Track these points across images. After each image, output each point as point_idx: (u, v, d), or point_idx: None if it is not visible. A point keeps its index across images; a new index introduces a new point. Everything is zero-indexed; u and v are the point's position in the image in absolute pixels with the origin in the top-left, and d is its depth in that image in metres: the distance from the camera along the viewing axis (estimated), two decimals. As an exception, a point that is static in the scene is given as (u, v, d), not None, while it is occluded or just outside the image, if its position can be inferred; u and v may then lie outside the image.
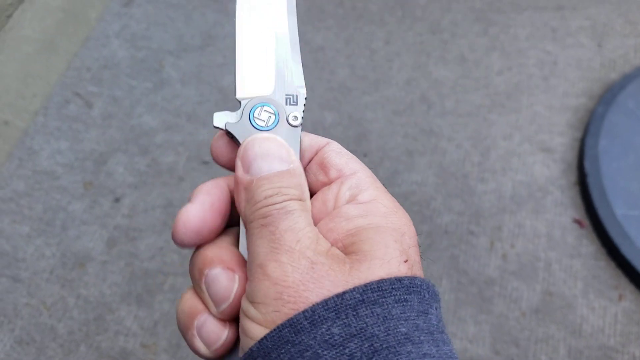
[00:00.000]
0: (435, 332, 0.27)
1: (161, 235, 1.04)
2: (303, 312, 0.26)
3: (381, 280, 0.27)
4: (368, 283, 0.26)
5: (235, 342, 0.31)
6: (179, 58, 1.23)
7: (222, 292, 0.30)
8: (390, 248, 0.28)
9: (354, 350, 0.25)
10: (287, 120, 0.33)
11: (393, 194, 0.31)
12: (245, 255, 0.31)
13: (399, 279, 0.27)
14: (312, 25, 1.27)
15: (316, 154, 0.34)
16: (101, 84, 1.20)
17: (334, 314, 0.26)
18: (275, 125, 0.33)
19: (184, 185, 1.09)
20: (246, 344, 0.27)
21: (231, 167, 0.34)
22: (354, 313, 0.26)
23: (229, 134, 0.33)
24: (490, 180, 1.11)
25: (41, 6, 1.28)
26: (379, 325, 0.26)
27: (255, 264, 0.28)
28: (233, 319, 0.30)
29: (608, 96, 1.17)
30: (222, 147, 0.34)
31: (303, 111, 0.34)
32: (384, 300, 0.26)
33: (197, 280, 0.31)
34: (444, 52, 1.25)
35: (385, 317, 0.26)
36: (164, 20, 1.28)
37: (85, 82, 1.20)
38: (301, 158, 0.33)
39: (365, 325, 0.26)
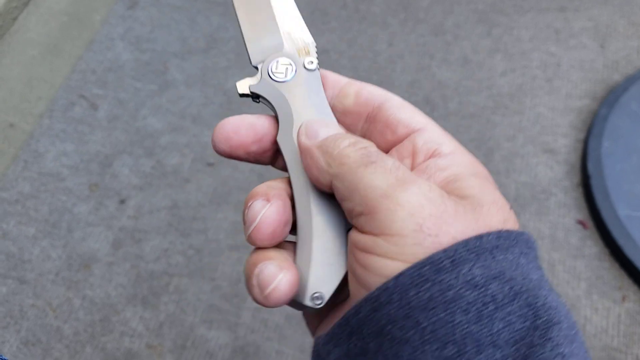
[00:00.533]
0: (550, 287, 0.27)
1: (166, 237, 1.05)
2: (444, 250, 0.25)
3: (509, 230, 0.26)
4: (500, 230, 0.26)
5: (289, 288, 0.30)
6: (183, 60, 1.23)
7: (251, 214, 0.30)
8: (496, 194, 0.28)
9: (495, 292, 0.25)
10: (305, 67, 0.35)
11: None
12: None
13: (521, 233, 0.27)
14: (315, 27, 1.28)
15: (375, 111, 0.34)
16: (106, 86, 1.21)
17: (474, 255, 0.25)
18: (295, 74, 0.34)
19: (189, 186, 1.10)
20: (371, 282, 0.26)
21: (237, 153, 0.34)
22: (492, 256, 0.25)
23: (254, 98, 0.35)
24: (494, 181, 1.11)
25: (46, 9, 1.28)
26: (513, 270, 0.25)
27: (377, 195, 0.27)
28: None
29: (611, 98, 1.17)
30: (229, 131, 0.34)
31: (317, 57, 0.35)
32: (513, 249, 0.26)
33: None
34: (447, 54, 1.26)
35: (517, 264, 0.26)
36: (168, 22, 1.28)
37: (90, 84, 1.21)
38: (341, 106, 0.34)
39: (502, 268, 0.25)
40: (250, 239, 0.31)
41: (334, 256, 0.30)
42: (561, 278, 1.02)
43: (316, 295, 0.30)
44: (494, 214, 0.27)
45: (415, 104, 1.21)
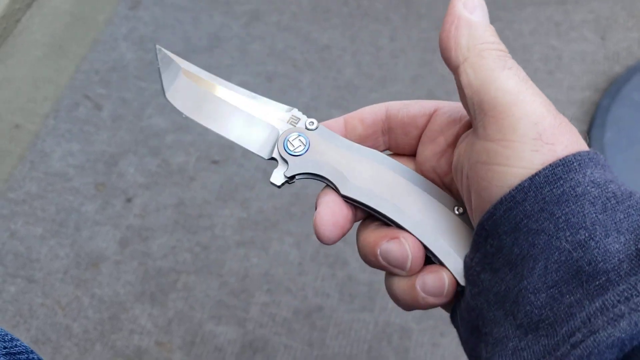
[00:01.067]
0: None
1: (173, 234, 1.05)
2: (573, 155, 0.29)
3: (595, 151, 0.30)
4: (590, 149, 0.30)
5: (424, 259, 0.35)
6: (187, 59, 1.24)
7: (399, 258, 0.34)
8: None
9: (614, 191, 0.29)
10: (309, 129, 0.38)
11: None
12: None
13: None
14: (317, 24, 1.28)
15: (386, 122, 0.39)
16: (110, 86, 1.21)
17: (592, 162, 0.29)
18: (309, 139, 0.38)
19: (194, 184, 1.11)
20: (494, 193, 0.30)
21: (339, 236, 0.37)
22: (605, 167, 0.30)
23: (290, 180, 0.38)
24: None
25: (49, 10, 1.29)
26: (616, 179, 0.30)
27: (507, 100, 0.30)
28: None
29: (613, 89, 1.18)
30: (329, 226, 0.37)
31: (308, 117, 0.39)
32: (604, 163, 0.30)
33: (373, 257, 0.36)
34: (449, 49, 1.26)
35: (611, 173, 0.30)
36: (172, 22, 1.29)
37: (95, 84, 1.21)
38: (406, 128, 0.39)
39: (612, 176, 0.30)
40: (411, 271, 0.35)
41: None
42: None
43: None
44: (575, 133, 0.31)
45: (419, 98, 1.21)
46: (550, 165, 0.29)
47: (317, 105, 1.18)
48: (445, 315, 0.98)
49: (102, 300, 1.00)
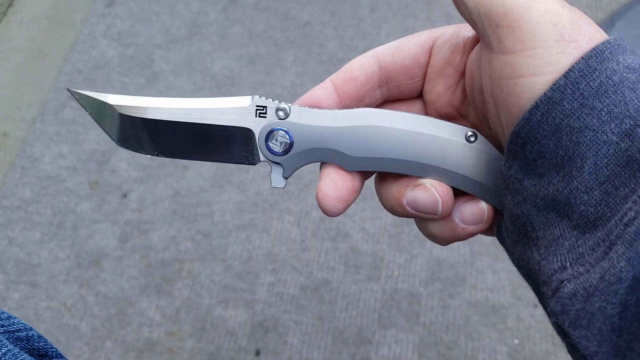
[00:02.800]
0: None
1: (172, 225, 1.05)
2: (603, 43, 0.27)
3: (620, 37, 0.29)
4: (615, 36, 0.29)
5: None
6: (167, 50, 1.23)
7: (428, 205, 0.33)
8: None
9: None
10: (281, 118, 0.34)
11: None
12: None
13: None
14: (295, 2, 1.27)
15: (381, 73, 0.35)
16: (94, 84, 1.20)
17: (622, 49, 0.28)
18: (289, 133, 0.34)
19: (188, 173, 1.10)
20: (523, 107, 0.28)
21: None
22: (630, 50, 0.28)
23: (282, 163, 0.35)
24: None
25: (25, 16, 1.28)
26: None
27: (518, 6, 0.28)
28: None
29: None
30: (333, 200, 0.35)
31: (272, 99, 0.34)
32: (631, 48, 0.29)
33: (400, 208, 0.34)
34: (430, 13, 1.25)
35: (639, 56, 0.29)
36: (149, 15, 1.28)
37: (78, 84, 1.20)
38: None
39: None
40: (443, 214, 0.34)
41: None
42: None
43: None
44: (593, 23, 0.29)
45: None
46: (582, 58, 0.27)
47: (303, 82, 1.18)
48: (451, 275, 0.97)
49: (108, 297, 1.00)
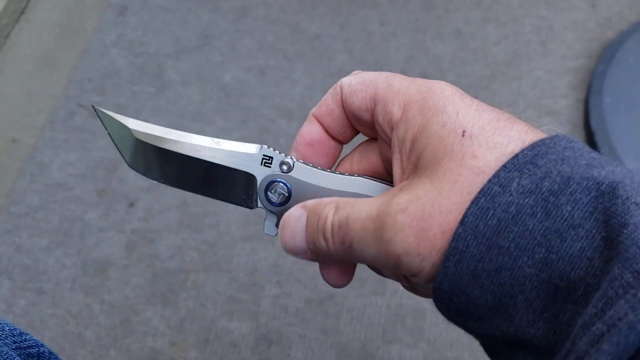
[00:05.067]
0: (613, 161, 0.28)
1: (179, 234, 1.05)
2: (489, 181, 0.27)
3: (542, 138, 0.28)
4: (533, 142, 0.28)
5: None
6: (177, 60, 1.24)
7: None
8: (466, 126, 0.30)
9: (550, 187, 0.26)
10: (284, 172, 0.35)
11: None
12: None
13: (555, 135, 0.28)
14: (305, 14, 1.28)
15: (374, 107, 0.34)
16: (104, 93, 1.21)
17: (516, 172, 0.27)
18: (289, 188, 0.35)
19: (195, 183, 1.10)
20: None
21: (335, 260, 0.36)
22: (534, 165, 0.27)
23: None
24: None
25: (37, 23, 1.29)
26: (560, 165, 0.27)
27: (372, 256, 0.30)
28: None
29: (607, 54, 1.17)
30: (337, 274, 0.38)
31: (277, 151, 0.36)
32: (553, 149, 0.27)
33: None
34: (440, 28, 1.26)
35: (562, 159, 0.27)
36: (160, 24, 1.29)
37: (88, 92, 1.21)
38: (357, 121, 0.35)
39: (548, 169, 0.27)
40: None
41: None
42: (576, 236, 1.02)
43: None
44: (484, 153, 0.28)
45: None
46: (472, 202, 0.27)
47: (312, 94, 1.18)
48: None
49: (113, 305, 1.00)
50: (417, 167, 0.30)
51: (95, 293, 1.01)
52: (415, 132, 0.30)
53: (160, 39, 1.27)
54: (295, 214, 0.34)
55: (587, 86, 1.16)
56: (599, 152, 0.93)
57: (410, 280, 0.33)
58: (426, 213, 0.28)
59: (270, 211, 0.36)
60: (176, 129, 1.15)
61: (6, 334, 0.37)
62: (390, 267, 0.30)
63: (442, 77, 1.19)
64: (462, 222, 0.27)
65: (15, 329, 0.38)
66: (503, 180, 0.27)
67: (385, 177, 0.37)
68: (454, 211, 0.27)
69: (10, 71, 1.23)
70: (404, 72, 1.12)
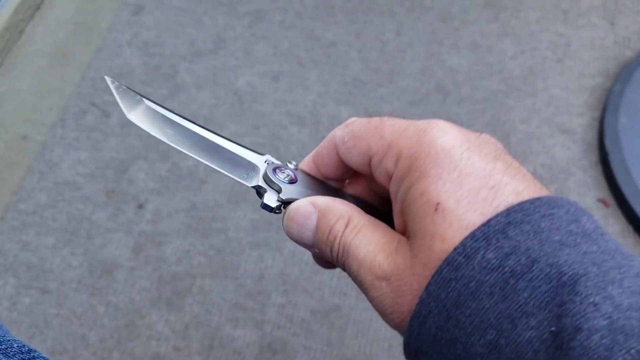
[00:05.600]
0: (592, 234, 0.27)
1: (186, 239, 1.04)
2: (455, 249, 0.26)
3: (522, 202, 0.27)
4: (509, 207, 0.27)
5: None
6: (192, 63, 1.23)
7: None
8: (462, 180, 0.29)
9: (513, 267, 0.25)
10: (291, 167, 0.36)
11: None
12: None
13: (537, 198, 0.27)
14: (321, 21, 1.27)
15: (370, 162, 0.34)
16: (116, 92, 1.20)
17: (484, 242, 0.26)
18: (297, 175, 0.36)
19: (205, 187, 1.10)
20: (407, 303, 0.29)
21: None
22: (504, 235, 0.26)
23: (283, 206, 0.35)
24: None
25: (52, 20, 1.28)
26: (531, 240, 0.26)
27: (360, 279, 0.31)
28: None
29: (624, 74, 1.16)
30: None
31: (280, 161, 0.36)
32: (529, 218, 0.26)
33: None
34: (456, 40, 1.25)
35: (535, 231, 0.26)
36: (175, 26, 1.28)
37: (101, 91, 1.21)
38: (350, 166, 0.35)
39: (517, 243, 0.26)
40: None
41: None
42: (586, 257, 1.01)
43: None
44: (453, 236, 0.27)
45: (427, 91, 1.21)
46: (437, 270, 0.27)
47: (325, 102, 1.17)
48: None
49: (118, 307, 0.99)
50: (406, 228, 0.30)
51: (100, 294, 1.00)
52: (403, 195, 0.30)
53: (175, 40, 1.26)
54: (305, 211, 0.34)
55: (603, 105, 1.15)
56: (614, 174, 0.90)
57: None
58: (401, 290, 0.29)
59: (272, 187, 0.35)
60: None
61: (14, 351, 0.37)
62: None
63: (457, 90, 1.19)
64: (426, 288, 0.27)
65: (24, 345, 0.37)
66: (469, 250, 0.26)
67: (373, 198, 0.37)
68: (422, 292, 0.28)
69: (23, 67, 1.22)
70: (418, 83, 1.11)
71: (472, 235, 0.26)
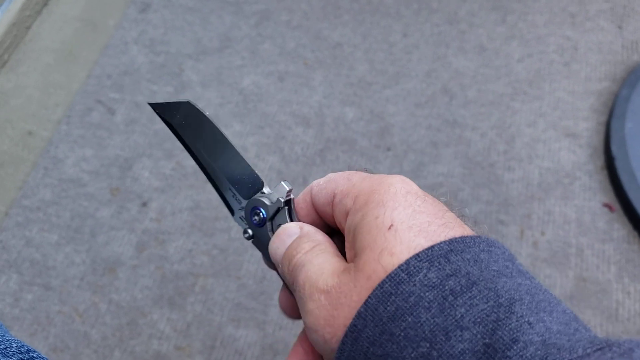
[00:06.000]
0: (525, 273, 0.29)
1: (190, 237, 1.04)
2: (399, 266, 0.27)
3: (463, 236, 0.29)
4: (452, 238, 0.28)
5: None
6: (198, 61, 1.23)
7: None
8: (404, 217, 0.30)
9: (452, 286, 0.27)
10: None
11: (419, 187, 0.32)
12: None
13: (477, 236, 0.29)
14: (328, 22, 1.27)
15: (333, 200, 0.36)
16: (122, 90, 1.21)
17: (427, 263, 0.27)
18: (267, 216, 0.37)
19: (209, 187, 1.09)
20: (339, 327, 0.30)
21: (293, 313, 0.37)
22: (446, 260, 0.28)
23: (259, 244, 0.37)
24: (517, 168, 1.10)
25: (59, 16, 1.29)
26: (471, 266, 0.27)
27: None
28: None
29: (632, 78, 1.15)
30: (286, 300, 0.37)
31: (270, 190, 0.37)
32: (470, 249, 0.28)
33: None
34: (463, 43, 1.24)
35: (475, 260, 0.28)
36: (181, 24, 1.28)
37: (107, 89, 1.21)
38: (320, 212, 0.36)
39: (458, 267, 0.27)
40: None
41: None
42: (590, 262, 1.01)
43: None
44: (402, 252, 0.28)
45: (433, 93, 1.20)
46: (379, 285, 0.27)
47: (330, 103, 1.17)
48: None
49: (120, 305, 0.99)
50: (355, 254, 0.31)
51: (103, 292, 1.01)
52: (356, 222, 0.31)
53: (182, 38, 1.26)
54: (291, 230, 0.35)
55: (610, 110, 1.14)
56: (619, 179, 0.90)
57: None
58: (339, 303, 0.29)
59: (248, 228, 0.37)
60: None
61: (13, 350, 0.37)
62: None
63: (463, 93, 1.19)
64: (365, 302, 0.28)
65: (23, 345, 0.37)
66: (412, 268, 0.27)
67: None
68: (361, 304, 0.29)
69: (29, 63, 1.23)
70: (424, 85, 1.11)
71: (417, 256, 0.28)
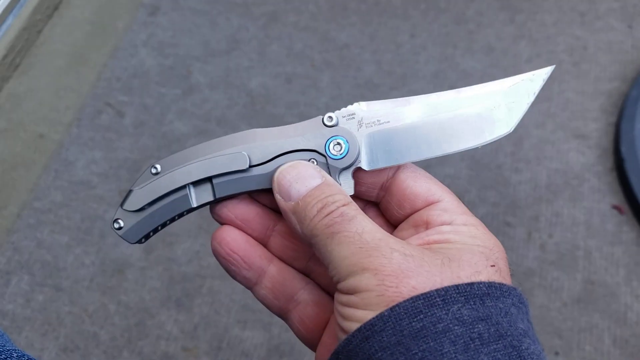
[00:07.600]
0: (537, 340, 0.30)
1: (197, 239, 1.05)
2: (437, 290, 0.27)
3: (502, 284, 0.29)
4: (492, 282, 0.29)
5: None
6: (206, 63, 1.24)
7: None
8: (476, 256, 0.30)
9: (482, 331, 0.27)
10: (324, 123, 0.35)
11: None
12: None
13: (514, 288, 0.30)
14: (335, 23, 1.27)
15: (390, 180, 0.36)
16: (131, 92, 1.22)
17: (464, 298, 0.28)
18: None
19: (217, 188, 1.10)
20: (348, 327, 0.29)
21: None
22: (481, 302, 0.28)
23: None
24: (525, 169, 1.09)
25: (70, 20, 1.30)
26: (502, 317, 0.28)
27: (345, 265, 0.30)
28: None
29: (642, 78, 1.14)
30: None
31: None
32: (505, 299, 0.29)
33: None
34: (471, 43, 1.24)
35: (506, 312, 0.28)
36: (190, 26, 1.29)
37: (116, 91, 1.22)
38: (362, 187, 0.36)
39: (490, 313, 0.28)
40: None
41: None
42: (599, 265, 1.00)
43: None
44: (465, 267, 0.29)
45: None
46: (411, 297, 0.27)
47: (337, 104, 1.17)
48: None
49: (129, 306, 1.00)
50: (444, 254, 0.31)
51: (111, 293, 1.02)
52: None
53: (190, 41, 1.27)
54: (312, 169, 0.33)
55: (620, 110, 1.13)
56: (629, 181, 0.90)
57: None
58: (421, 269, 0.29)
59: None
60: (200, 133, 1.15)
61: None
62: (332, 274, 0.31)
63: (470, 94, 1.18)
64: (392, 308, 0.27)
65: (24, 355, 0.38)
66: (447, 297, 0.28)
67: None
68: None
69: (41, 66, 1.24)
70: (432, 86, 1.10)
71: (457, 287, 0.28)
